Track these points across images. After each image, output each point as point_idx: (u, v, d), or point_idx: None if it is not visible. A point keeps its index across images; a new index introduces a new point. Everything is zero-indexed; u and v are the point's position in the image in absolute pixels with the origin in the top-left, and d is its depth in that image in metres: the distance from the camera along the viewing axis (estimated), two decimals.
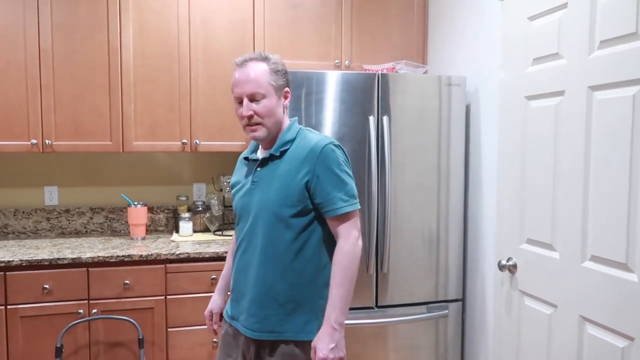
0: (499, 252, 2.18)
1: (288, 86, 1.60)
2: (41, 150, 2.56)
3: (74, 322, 2.30)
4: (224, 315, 1.72)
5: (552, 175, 1.86)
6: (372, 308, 2.48)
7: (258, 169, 1.60)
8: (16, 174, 2.87)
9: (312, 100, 2.36)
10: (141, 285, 2.41)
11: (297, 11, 2.79)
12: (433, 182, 2.50)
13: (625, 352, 1.56)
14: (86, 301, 2.36)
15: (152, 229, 3.02)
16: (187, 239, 2.76)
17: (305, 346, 1.54)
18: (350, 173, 1.57)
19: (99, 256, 2.36)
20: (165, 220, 3.04)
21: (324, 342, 1.47)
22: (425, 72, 2.79)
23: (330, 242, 1.58)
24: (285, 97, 1.60)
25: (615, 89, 1.59)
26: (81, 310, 2.35)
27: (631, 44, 1.54)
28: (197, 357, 2.48)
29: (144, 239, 2.77)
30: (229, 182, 2.84)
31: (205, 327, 2.45)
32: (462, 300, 2.61)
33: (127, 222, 2.96)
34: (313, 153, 1.51)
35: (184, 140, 2.69)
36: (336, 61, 2.84)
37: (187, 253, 2.45)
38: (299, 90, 2.34)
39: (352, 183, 1.55)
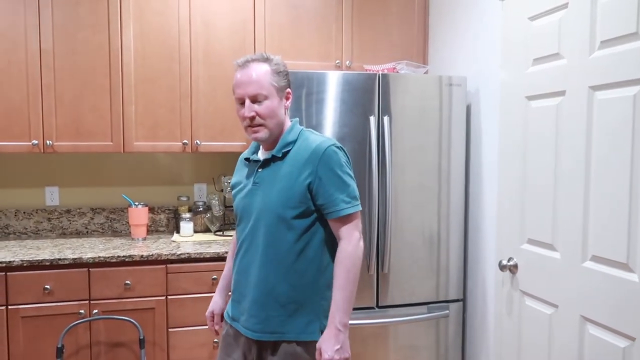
0: (500, 252, 2.18)
1: (289, 87, 1.60)
2: (42, 151, 2.56)
3: (75, 323, 2.30)
4: (224, 316, 1.72)
5: (553, 176, 1.86)
6: (372, 308, 2.48)
7: (260, 170, 1.60)
8: (17, 174, 2.88)
9: (313, 101, 2.37)
10: (142, 285, 2.42)
11: (298, 12, 2.79)
12: (434, 182, 2.50)
13: (627, 352, 1.56)
14: (87, 301, 2.37)
15: (153, 230, 3.02)
16: (187, 239, 2.76)
17: (307, 346, 1.54)
18: (352, 175, 1.57)
19: (99, 256, 2.36)
20: (166, 221, 3.05)
21: (329, 344, 1.47)
22: (425, 72, 2.79)
23: (331, 243, 1.58)
24: (287, 98, 1.60)
25: (616, 89, 1.59)
26: (82, 311, 2.35)
27: (632, 44, 1.54)
28: (197, 358, 2.49)
29: (144, 239, 2.77)
30: (229, 183, 2.84)
31: (206, 327, 2.46)
32: (463, 300, 2.61)
33: (128, 223, 2.96)
34: (316, 155, 1.51)
35: (185, 141, 2.70)
36: (337, 61, 2.84)
37: (188, 253, 2.45)
38: (300, 90, 2.34)
39: (354, 185, 1.56)
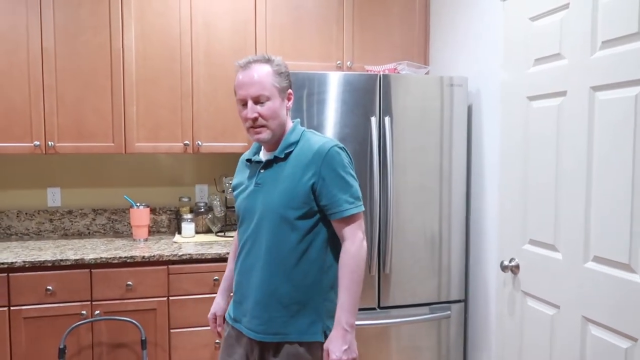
0: (502, 252, 2.18)
1: (291, 88, 1.61)
2: (44, 152, 2.57)
3: (77, 324, 2.30)
4: (226, 317, 1.71)
5: (555, 176, 1.86)
6: (374, 309, 2.48)
7: (262, 171, 1.60)
8: (19, 175, 2.88)
9: (314, 101, 2.37)
10: (144, 286, 2.42)
11: (299, 12, 2.80)
12: (435, 182, 2.50)
13: (629, 353, 1.56)
14: (89, 302, 2.37)
15: (154, 230, 3.02)
16: (189, 240, 2.76)
17: (310, 347, 1.54)
18: (355, 175, 1.58)
19: (101, 257, 2.36)
20: (168, 222, 3.05)
21: (336, 344, 1.48)
22: (427, 73, 2.79)
23: (334, 243, 1.58)
24: (289, 99, 1.60)
25: (618, 89, 1.59)
26: (84, 312, 2.35)
27: (633, 44, 1.54)
28: (199, 358, 2.49)
29: (146, 240, 2.77)
30: (231, 183, 2.84)
31: (208, 328, 2.46)
32: (465, 301, 2.60)
33: (129, 224, 2.97)
34: (319, 155, 1.52)
35: (186, 142, 2.70)
36: (338, 62, 2.84)
37: (189, 254, 2.46)
38: (301, 91, 2.34)
39: (356, 185, 1.56)
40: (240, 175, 1.70)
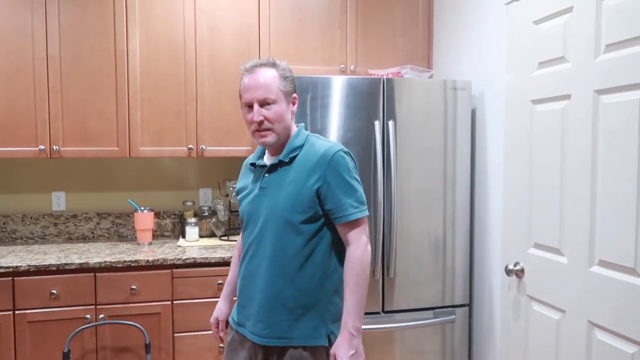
0: (506, 256, 2.17)
1: (296, 92, 1.61)
2: (49, 156, 2.58)
3: (81, 327, 2.31)
4: (229, 321, 1.71)
5: (559, 180, 1.85)
6: (378, 313, 2.47)
7: (266, 175, 1.60)
8: (24, 179, 2.89)
9: (318, 105, 2.37)
10: (148, 290, 2.42)
11: (303, 16, 2.80)
12: (439, 186, 2.50)
13: (635, 358, 1.55)
14: (93, 306, 2.37)
15: (158, 234, 3.03)
16: (193, 244, 2.77)
17: (314, 351, 1.54)
18: (359, 180, 1.58)
19: (105, 261, 2.37)
20: (172, 226, 3.05)
21: (343, 349, 1.47)
22: (430, 77, 2.79)
23: (338, 247, 1.58)
24: (293, 103, 1.61)
25: (622, 92, 1.58)
26: (88, 316, 2.35)
27: (637, 48, 1.53)
28: None
29: (150, 244, 2.78)
30: (234, 187, 2.84)
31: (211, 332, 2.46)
32: (469, 305, 2.59)
33: (133, 228, 2.97)
34: (324, 160, 1.52)
35: (190, 146, 2.70)
36: (341, 66, 2.85)
37: (193, 258, 2.46)
38: (305, 95, 2.35)
39: (361, 189, 1.57)
40: (244, 179, 1.71)
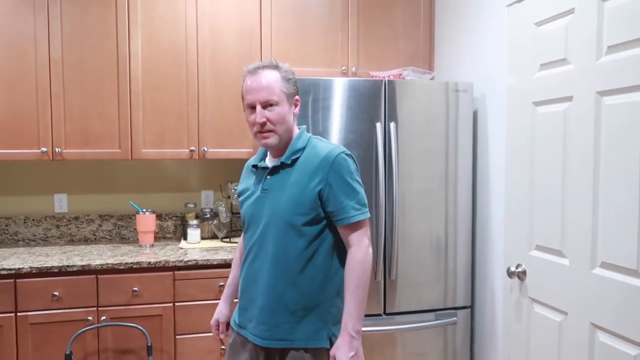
0: (508, 258, 2.17)
1: (298, 94, 1.61)
2: (51, 158, 2.58)
3: (83, 329, 2.31)
4: (231, 323, 1.71)
5: (561, 182, 1.85)
6: (380, 315, 2.47)
7: (268, 177, 1.60)
8: (26, 181, 2.90)
9: (319, 107, 2.37)
10: (149, 292, 2.42)
11: (304, 18, 2.81)
12: (440, 188, 2.49)
13: None
14: (95, 308, 2.37)
15: (160, 236, 3.03)
16: (195, 246, 2.77)
17: (315, 353, 1.54)
18: (361, 182, 1.58)
19: (107, 263, 2.37)
20: (174, 228, 3.06)
21: (343, 351, 1.47)
22: (432, 79, 2.79)
23: (340, 249, 1.58)
24: (296, 105, 1.61)
25: (624, 94, 1.58)
26: (90, 318, 2.36)
27: (639, 49, 1.53)
28: None
29: (152, 246, 2.78)
30: (236, 189, 2.85)
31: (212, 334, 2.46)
32: (471, 307, 2.59)
33: (135, 230, 2.98)
34: (326, 162, 1.52)
35: (192, 148, 2.71)
36: (343, 68, 2.85)
37: (195, 260, 2.46)
38: (306, 97, 2.35)
39: (363, 192, 1.57)
40: (246, 181, 1.71)
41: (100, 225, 2.97)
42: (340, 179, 1.52)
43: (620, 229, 1.59)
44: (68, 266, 2.33)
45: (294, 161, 1.57)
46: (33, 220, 2.89)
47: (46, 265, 2.32)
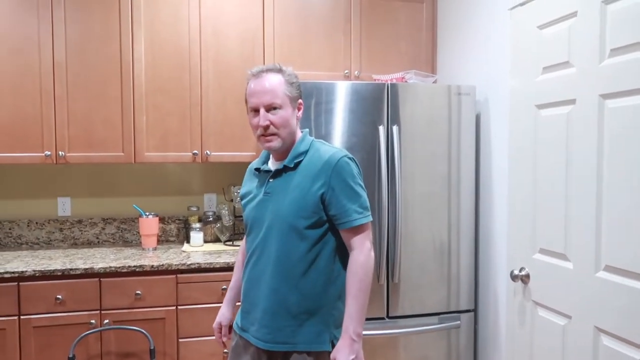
0: (511, 262, 2.16)
1: (301, 98, 1.62)
2: (54, 162, 2.59)
3: (86, 333, 2.31)
4: (233, 326, 1.71)
5: (564, 185, 1.84)
6: (383, 319, 2.47)
7: (271, 180, 1.60)
8: (30, 185, 2.91)
9: (322, 110, 2.37)
10: (152, 295, 2.42)
11: (307, 22, 2.81)
12: (443, 191, 2.49)
13: None
14: (98, 311, 2.38)
15: (163, 240, 3.03)
16: (198, 249, 2.77)
17: (317, 356, 1.54)
18: (363, 185, 1.58)
19: (110, 266, 2.37)
20: (177, 231, 3.06)
21: (343, 354, 1.47)
22: (434, 82, 2.79)
23: (342, 252, 1.58)
24: (299, 109, 1.62)
25: (627, 97, 1.58)
26: (93, 321, 2.36)
27: None
28: None
29: (155, 249, 2.78)
30: (239, 193, 2.85)
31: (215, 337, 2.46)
32: (475, 310, 2.58)
33: (138, 233, 2.98)
34: (328, 165, 1.52)
35: (195, 151, 2.71)
36: (345, 71, 2.86)
37: (198, 263, 2.46)
38: (309, 100, 2.35)
39: (365, 195, 1.57)
40: (249, 184, 1.71)
41: (104, 229, 2.97)
42: (343, 182, 1.52)
43: (624, 232, 1.58)
44: (71, 269, 2.34)
45: (297, 164, 1.57)
46: (36, 223, 2.90)
47: (49, 268, 2.32)
